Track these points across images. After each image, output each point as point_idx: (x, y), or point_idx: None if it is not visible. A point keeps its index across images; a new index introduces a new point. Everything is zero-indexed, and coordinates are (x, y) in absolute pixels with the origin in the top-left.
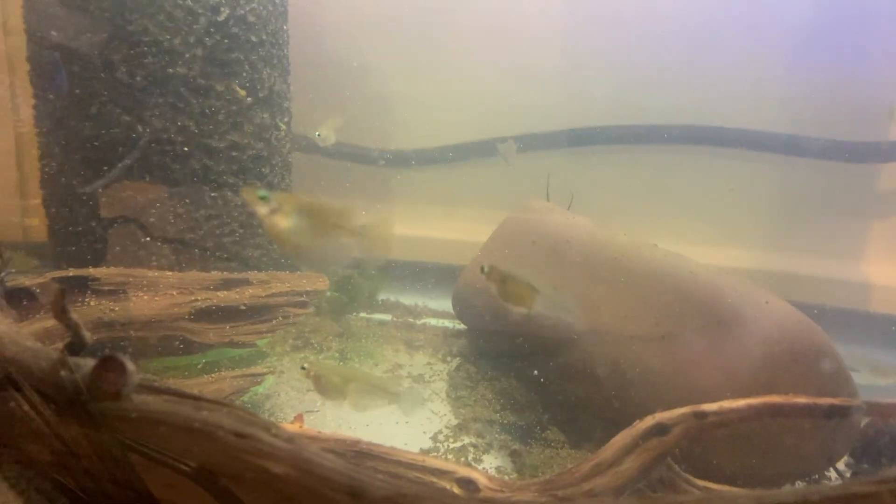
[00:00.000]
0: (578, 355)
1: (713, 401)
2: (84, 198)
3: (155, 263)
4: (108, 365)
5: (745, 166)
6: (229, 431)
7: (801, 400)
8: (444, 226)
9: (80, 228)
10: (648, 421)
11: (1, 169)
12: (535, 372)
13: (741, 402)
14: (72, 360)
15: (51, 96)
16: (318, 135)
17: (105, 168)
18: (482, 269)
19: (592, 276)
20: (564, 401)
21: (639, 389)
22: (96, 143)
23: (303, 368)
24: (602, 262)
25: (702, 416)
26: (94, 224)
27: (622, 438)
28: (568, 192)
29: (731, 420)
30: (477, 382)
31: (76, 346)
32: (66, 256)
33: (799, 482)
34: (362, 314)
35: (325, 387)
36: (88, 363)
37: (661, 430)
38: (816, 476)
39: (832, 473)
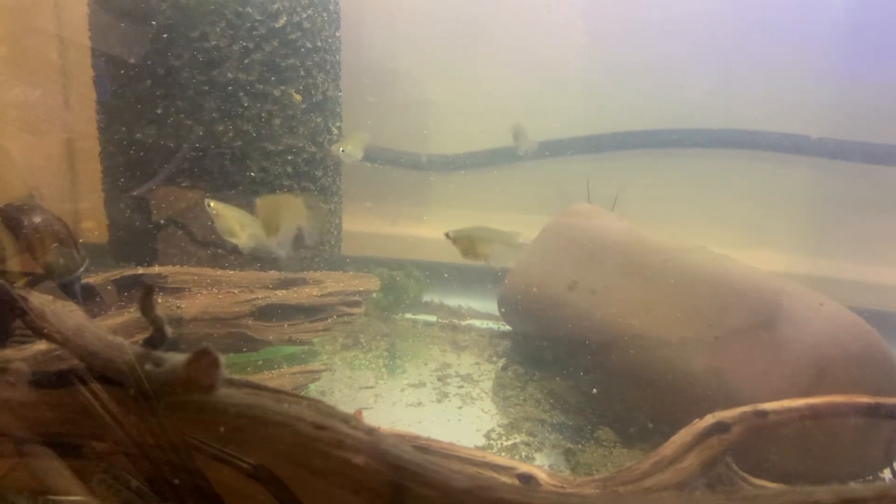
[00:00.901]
0: (630, 357)
1: (768, 401)
2: (144, 200)
3: (214, 263)
4: (202, 358)
5: (780, 169)
6: (310, 423)
7: (863, 400)
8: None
9: (141, 230)
10: (709, 419)
11: (55, 173)
12: (584, 374)
13: (802, 402)
14: (156, 354)
15: (113, 102)
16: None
17: (164, 171)
18: (447, 235)
19: (643, 278)
20: (615, 402)
21: (691, 391)
22: (158, 148)
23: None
24: (652, 265)
25: (762, 414)
26: (155, 226)
27: (682, 436)
28: (607, 196)
29: (791, 419)
30: (525, 383)
31: (156, 341)
32: (126, 257)
33: (854, 483)
34: (408, 315)
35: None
36: (173, 357)
37: (721, 428)
38: (871, 477)
39: (887, 474)
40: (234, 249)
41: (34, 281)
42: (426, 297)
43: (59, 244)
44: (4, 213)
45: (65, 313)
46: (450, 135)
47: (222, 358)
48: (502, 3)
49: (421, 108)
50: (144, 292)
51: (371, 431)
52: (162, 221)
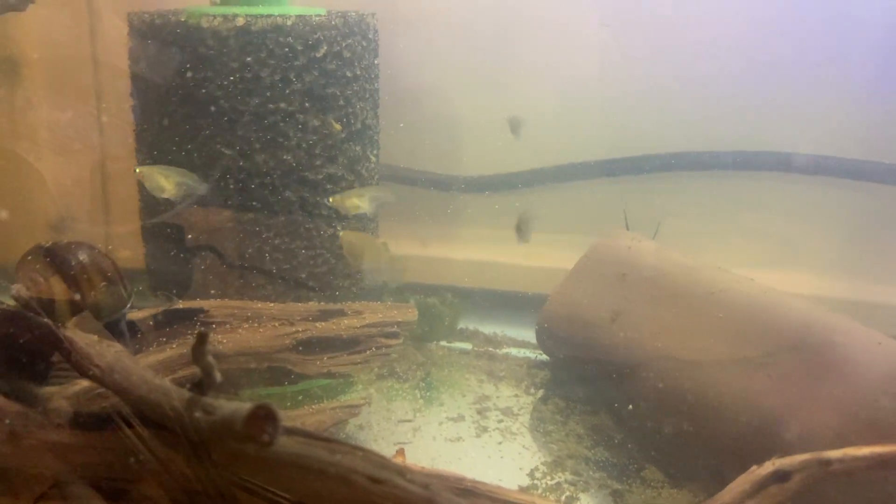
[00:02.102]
0: (677, 393)
1: (824, 446)
2: (181, 227)
3: (254, 294)
4: (261, 413)
5: (814, 191)
6: (364, 476)
7: None
8: (522, 252)
9: (179, 259)
10: (768, 467)
11: (87, 196)
12: (629, 407)
13: (867, 450)
14: (206, 401)
15: (152, 131)
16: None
17: (204, 201)
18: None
19: (690, 311)
20: (661, 438)
21: (743, 429)
22: (197, 177)
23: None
24: (699, 298)
25: (826, 463)
26: (192, 252)
27: (741, 483)
28: (639, 220)
29: (856, 468)
30: (567, 417)
31: (205, 387)
32: (164, 282)
33: None
34: (443, 342)
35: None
36: (225, 406)
37: (782, 476)
38: None
39: None
40: (270, 277)
41: (80, 320)
42: (461, 324)
43: (106, 283)
44: (52, 253)
45: (111, 354)
46: (480, 156)
47: (281, 414)
48: (537, 25)
49: (451, 130)
50: (198, 339)
51: (427, 486)
52: (199, 248)
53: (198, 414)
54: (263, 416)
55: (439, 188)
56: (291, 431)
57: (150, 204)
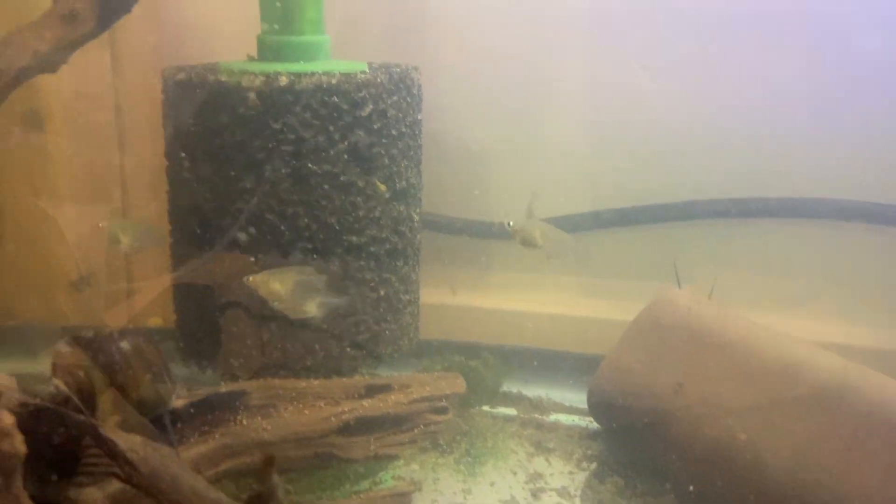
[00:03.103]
0: (748, 480)
1: None
2: (216, 290)
3: (294, 363)
4: None
5: (865, 239)
6: None
7: None
8: (565, 300)
9: (211, 322)
10: None
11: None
12: (695, 493)
13: None
14: None
15: (187, 192)
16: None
17: (242, 266)
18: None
19: (763, 387)
20: None
21: None
22: (235, 242)
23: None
24: (774, 373)
25: None
26: (227, 319)
27: None
28: (687, 268)
29: None
30: (629, 500)
31: (263, 501)
32: (195, 345)
33: None
34: (485, 407)
35: None
36: None
37: None
38: None
39: None
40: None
41: (123, 418)
42: (504, 387)
43: (151, 376)
44: (92, 344)
45: (157, 459)
46: (515, 201)
47: None
48: (575, 68)
49: (486, 175)
50: (266, 463)
51: None
52: (234, 313)
53: None
54: None
55: (475, 235)
56: None
57: (182, 266)
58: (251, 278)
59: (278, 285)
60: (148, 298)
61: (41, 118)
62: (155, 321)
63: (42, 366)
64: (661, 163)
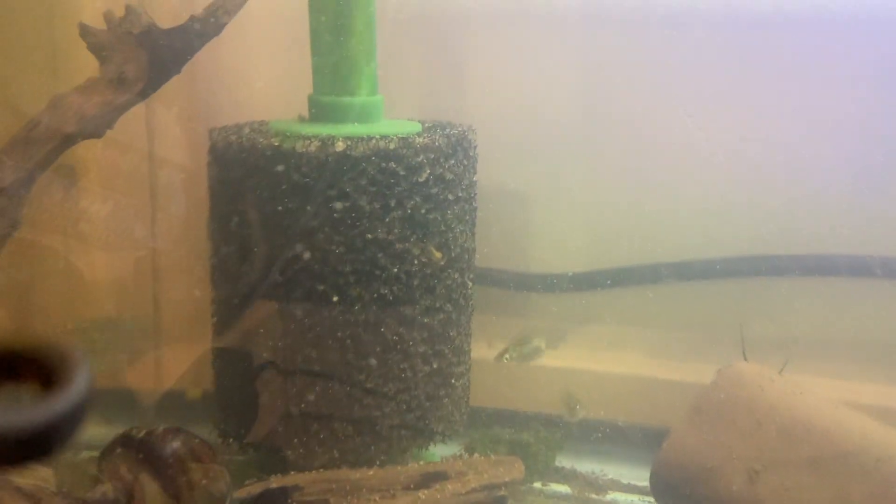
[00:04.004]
0: None
1: None
2: (257, 361)
3: (341, 446)
4: None
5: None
6: None
7: None
8: (618, 359)
9: (251, 397)
10: None
11: (133, 297)
12: None
13: None
14: None
15: (233, 264)
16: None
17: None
18: None
19: (849, 480)
20: None
21: None
22: (282, 314)
23: None
24: (860, 466)
25: None
26: (269, 396)
27: None
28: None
29: None
30: None
31: None
32: (235, 425)
33: None
34: (536, 484)
35: None
36: None
37: None
38: None
39: None
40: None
41: None
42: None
43: (206, 480)
44: (142, 445)
45: None
46: (556, 253)
47: None
48: (629, 120)
49: (536, 228)
50: None
51: None
52: (278, 390)
53: None
54: None
55: (522, 288)
56: None
57: (228, 342)
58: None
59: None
60: (184, 366)
61: (74, 172)
62: (193, 392)
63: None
64: (720, 217)
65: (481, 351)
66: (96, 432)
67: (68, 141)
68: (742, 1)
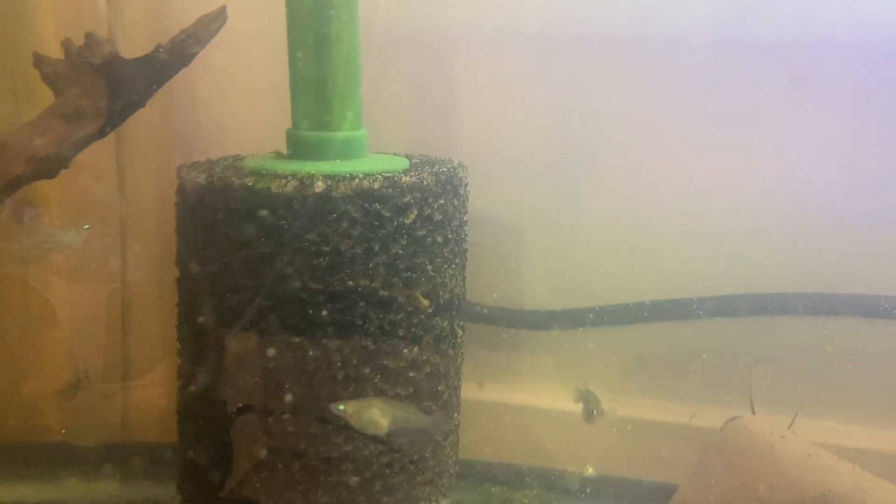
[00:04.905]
0: None
1: None
2: (235, 424)
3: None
4: None
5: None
6: None
7: None
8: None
9: (222, 454)
10: None
11: (104, 331)
12: None
13: None
14: None
15: (203, 313)
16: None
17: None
18: None
19: None
20: None
21: None
22: (254, 367)
23: None
24: None
25: None
26: (241, 454)
27: None
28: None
29: None
30: None
31: None
32: (196, 479)
33: None
34: None
35: None
36: None
37: None
38: None
39: None
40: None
41: None
42: None
43: None
44: None
45: None
46: (549, 288)
47: None
48: (632, 151)
49: (545, 262)
50: None
51: None
52: (250, 448)
53: None
54: None
55: (532, 327)
56: None
57: (193, 391)
58: (342, 406)
59: (379, 417)
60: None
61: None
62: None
63: None
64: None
65: (471, 391)
66: None
67: (17, 183)
68: (744, 26)
